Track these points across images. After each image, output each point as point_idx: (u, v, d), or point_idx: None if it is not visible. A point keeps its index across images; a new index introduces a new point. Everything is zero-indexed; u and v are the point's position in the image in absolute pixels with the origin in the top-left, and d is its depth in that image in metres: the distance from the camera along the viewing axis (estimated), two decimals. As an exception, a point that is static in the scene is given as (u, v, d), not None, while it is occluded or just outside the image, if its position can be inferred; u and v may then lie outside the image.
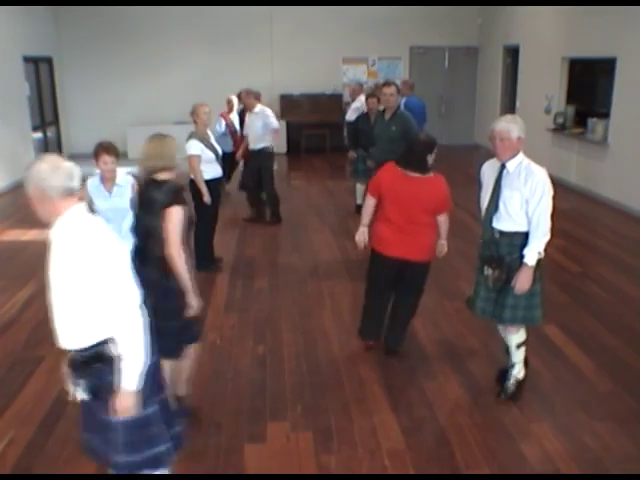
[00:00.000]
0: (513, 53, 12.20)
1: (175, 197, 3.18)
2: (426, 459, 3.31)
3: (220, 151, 6.08)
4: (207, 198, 5.77)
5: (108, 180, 4.35)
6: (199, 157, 5.73)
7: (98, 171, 4.35)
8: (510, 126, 3.44)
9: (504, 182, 3.51)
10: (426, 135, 4.24)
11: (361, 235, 4.30)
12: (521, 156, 3.51)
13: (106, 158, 4.20)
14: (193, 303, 3.27)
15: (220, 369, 4.29)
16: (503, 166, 3.52)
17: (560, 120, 10.28)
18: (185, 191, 3.44)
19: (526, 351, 3.87)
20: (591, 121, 9.43)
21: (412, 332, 4.82)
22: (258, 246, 7.11)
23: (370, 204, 4.26)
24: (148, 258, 3.20)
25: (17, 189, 10.27)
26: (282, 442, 3.47)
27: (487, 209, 3.61)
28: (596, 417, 3.68)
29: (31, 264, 6.22)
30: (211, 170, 5.88)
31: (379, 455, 3.34)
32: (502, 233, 3.56)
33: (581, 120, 9.97)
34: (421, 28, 13.35)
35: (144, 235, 3.25)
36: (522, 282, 3.52)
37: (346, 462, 3.29)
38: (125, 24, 12.75)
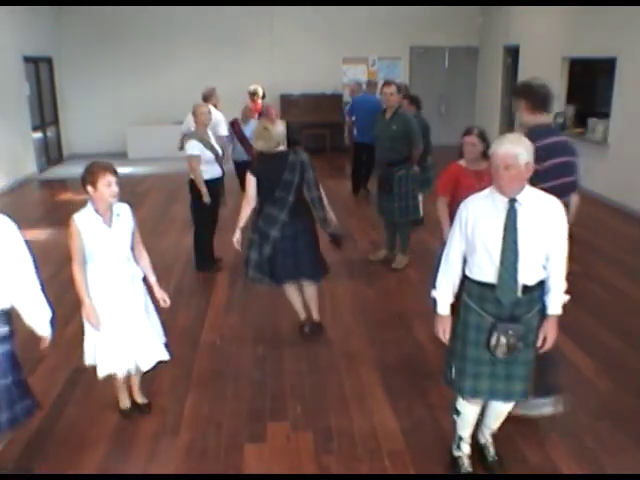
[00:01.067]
0: (513, 53, 12.20)
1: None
2: (426, 459, 3.31)
3: (220, 152, 6.08)
4: (207, 198, 5.77)
5: (106, 209, 3.32)
6: (199, 157, 5.73)
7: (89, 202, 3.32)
8: (517, 149, 2.66)
9: (521, 222, 2.70)
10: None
11: None
12: (528, 186, 2.78)
13: (110, 178, 3.22)
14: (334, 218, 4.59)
15: (220, 369, 4.29)
16: (513, 201, 2.72)
17: (560, 120, 10.27)
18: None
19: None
20: (591, 121, 9.43)
21: (412, 332, 4.82)
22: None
23: None
24: (301, 208, 4.41)
25: (17, 189, 10.27)
26: (282, 442, 3.47)
27: (504, 263, 2.73)
28: (596, 417, 3.68)
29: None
30: (210, 170, 5.88)
31: (379, 455, 3.34)
32: (525, 288, 2.79)
33: (581, 120, 9.97)
34: (421, 28, 13.35)
35: (297, 192, 4.32)
36: (553, 336, 2.88)
37: (346, 462, 3.29)
38: (125, 24, 12.75)
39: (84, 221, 3.28)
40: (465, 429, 3.18)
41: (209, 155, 5.83)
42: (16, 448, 3.41)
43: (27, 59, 11.15)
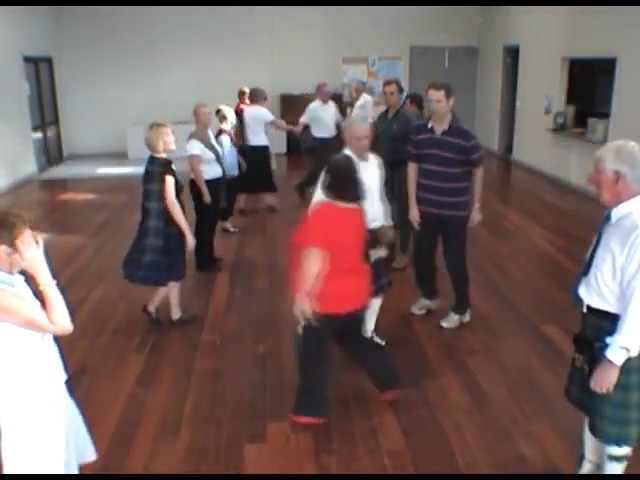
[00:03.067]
0: (513, 53, 12.20)
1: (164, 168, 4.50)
2: (426, 459, 3.31)
3: (221, 152, 6.08)
4: (207, 198, 5.77)
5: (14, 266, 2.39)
6: (199, 157, 5.73)
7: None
8: (602, 152, 2.50)
9: (604, 237, 2.56)
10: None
11: None
12: (635, 204, 2.47)
13: (28, 231, 2.37)
14: None
15: (220, 369, 4.29)
16: (608, 214, 2.57)
17: (560, 120, 10.28)
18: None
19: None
20: (591, 121, 9.43)
21: (412, 332, 4.82)
22: (258, 246, 7.11)
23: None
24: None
25: (17, 189, 10.27)
26: (282, 442, 3.47)
27: (581, 270, 2.68)
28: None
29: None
30: (211, 170, 5.88)
31: (379, 455, 3.34)
32: (589, 309, 2.62)
33: (581, 120, 9.98)
34: (421, 28, 13.35)
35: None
36: (597, 380, 2.54)
37: (346, 462, 3.29)
38: (125, 24, 12.74)
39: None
40: (583, 445, 2.92)
41: (210, 155, 5.84)
42: (16, 448, 3.41)
43: (27, 59, 11.14)
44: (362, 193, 3.42)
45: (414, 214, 4.79)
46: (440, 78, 13.56)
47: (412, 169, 4.78)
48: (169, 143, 4.57)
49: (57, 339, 2.54)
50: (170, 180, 4.50)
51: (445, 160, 4.53)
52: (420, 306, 5.17)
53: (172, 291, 4.88)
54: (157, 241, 4.59)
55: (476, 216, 4.68)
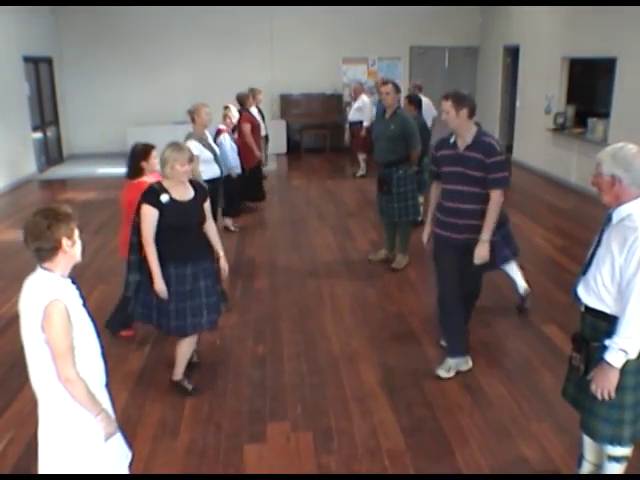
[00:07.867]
0: (513, 53, 12.20)
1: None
2: (426, 459, 3.31)
3: (225, 151, 6.08)
4: (206, 198, 5.77)
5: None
6: (197, 157, 5.72)
7: None
8: (601, 156, 2.55)
9: (605, 237, 2.57)
10: None
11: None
12: (636, 206, 2.48)
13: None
14: None
15: (220, 369, 4.29)
16: (609, 214, 2.59)
17: (560, 120, 10.28)
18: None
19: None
20: (591, 121, 9.43)
21: (412, 332, 4.82)
22: (258, 246, 7.11)
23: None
24: None
25: (17, 189, 10.27)
26: (282, 442, 3.47)
27: (582, 270, 2.69)
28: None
29: (31, 264, 6.20)
30: (209, 170, 5.88)
31: (379, 455, 3.34)
32: (587, 308, 2.64)
33: (581, 120, 9.98)
34: (421, 28, 13.35)
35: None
36: (597, 383, 2.54)
37: (346, 462, 3.29)
38: (125, 24, 12.75)
39: (66, 297, 2.31)
40: (582, 446, 2.93)
41: (208, 155, 5.84)
42: (16, 448, 3.41)
43: (27, 59, 11.15)
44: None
45: (425, 234, 4.28)
46: (440, 78, 13.76)
47: (433, 187, 4.19)
48: (180, 173, 3.80)
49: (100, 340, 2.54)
50: None
51: (468, 178, 3.86)
52: (448, 367, 4.11)
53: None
54: None
55: (480, 250, 3.83)
